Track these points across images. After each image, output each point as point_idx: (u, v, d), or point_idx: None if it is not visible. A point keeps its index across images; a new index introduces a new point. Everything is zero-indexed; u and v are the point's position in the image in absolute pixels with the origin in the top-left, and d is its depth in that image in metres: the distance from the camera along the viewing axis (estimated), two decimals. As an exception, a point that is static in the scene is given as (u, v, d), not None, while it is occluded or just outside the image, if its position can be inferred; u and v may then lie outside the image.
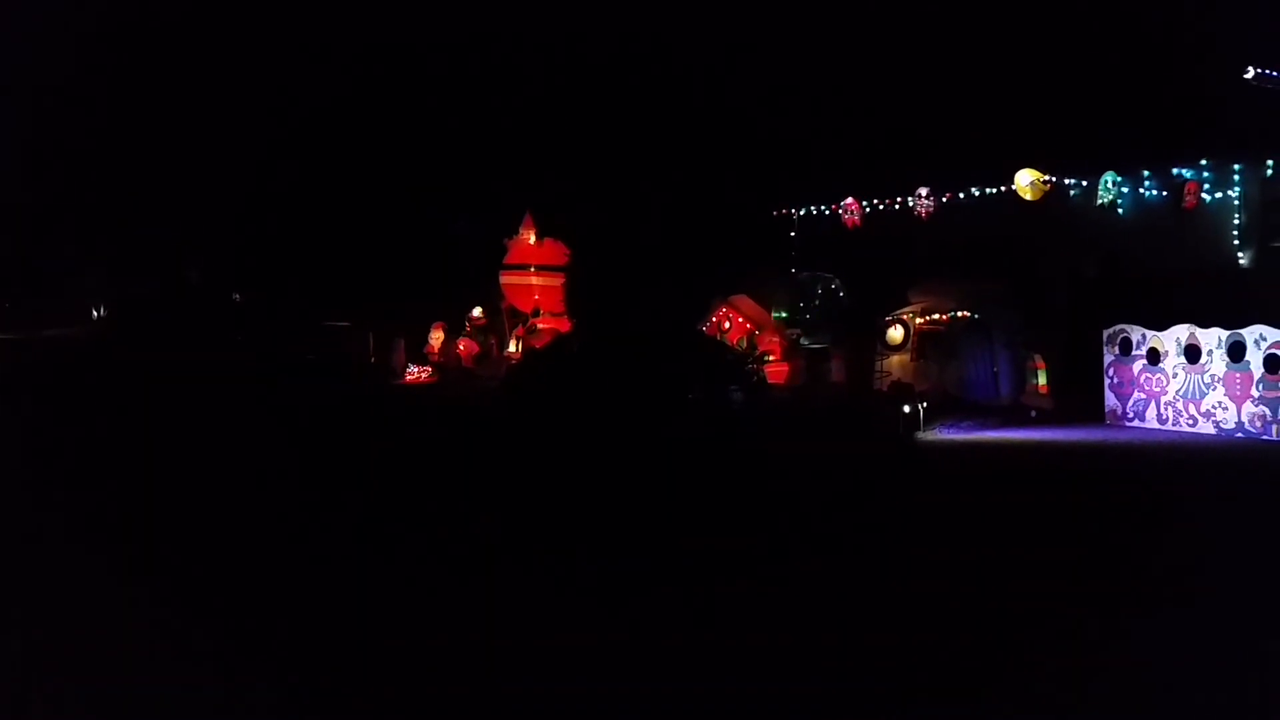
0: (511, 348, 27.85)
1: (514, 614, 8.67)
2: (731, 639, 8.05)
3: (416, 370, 28.43)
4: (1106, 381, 19.49)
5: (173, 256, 43.82)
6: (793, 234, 25.72)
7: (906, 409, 18.35)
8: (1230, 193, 19.67)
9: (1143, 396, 18.99)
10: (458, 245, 32.51)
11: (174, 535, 11.96)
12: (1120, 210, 20.60)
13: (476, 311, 29.19)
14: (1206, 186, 19.82)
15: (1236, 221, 19.67)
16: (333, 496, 13.80)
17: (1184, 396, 18.35)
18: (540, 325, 26.99)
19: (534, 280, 27.90)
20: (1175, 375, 18.47)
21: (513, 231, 28.77)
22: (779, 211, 25.85)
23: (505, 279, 28.34)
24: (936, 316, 21.73)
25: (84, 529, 12.03)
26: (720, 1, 33.62)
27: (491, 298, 29.35)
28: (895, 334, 21.78)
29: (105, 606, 9.18)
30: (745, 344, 22.96)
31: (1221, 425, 17.77)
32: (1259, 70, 19.83)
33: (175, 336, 34.27)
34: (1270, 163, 19.48)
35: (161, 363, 29.47)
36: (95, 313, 44.68)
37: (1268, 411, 17.15)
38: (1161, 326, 18.72)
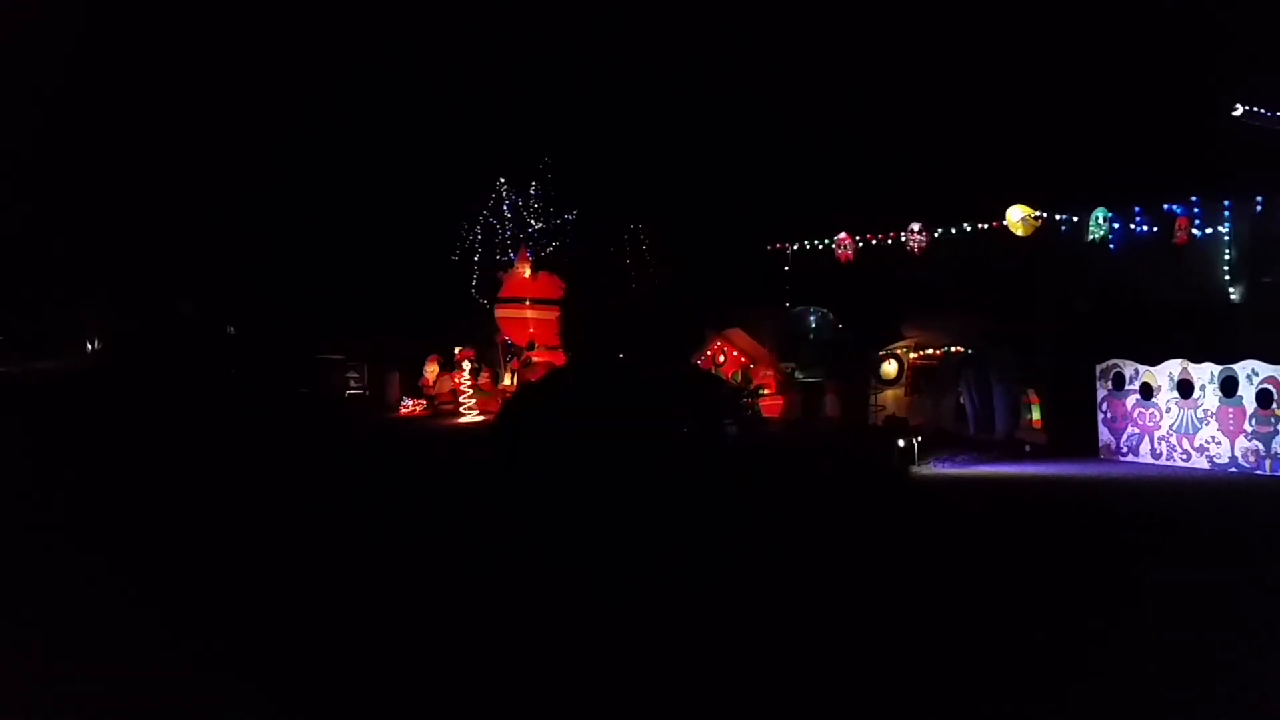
0: (506, 380, 27.87)
1: (504, 621, 8.90)
2: (720, 652, 8.19)
3: (411, 403, 28.45)
4: (1100, 416, 19.53)
5: (167, 290, 43.89)
6: (787, 268, 25.82)
7: (901, 443, 18.38)
8: (1220, 228, 19.77)
9: (1136, 431, 19.03)
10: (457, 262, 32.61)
11: (178, 542, 12.05)
12: (1111, 246, 20.70)
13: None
14: (1197, 222, 19.93)
15: (1227, 257, 19.77)
16: (323, 514, 13.83)
17: (1177, 431, 18.39)
18: (535, 358, 27.03)
19: (529, 314, 27.99)
20: (1168, 410, 18.52)
21: (508, 265, 28.87)
22: (773, 246, 25.96)
23: (500, 312, 28.41)
24: (930, 351, 21.81)
25: (85, 543, 12.06)
26: (713, 36, 33.96)
27: (485, 331, 29.37)
28: (889, 368, 21.83)
29: (107, 611, 9.23)
30: (740, 377, 23.01)
31: (1215, 460, 17.80)
32: (1247, 108, 20.01)
33: (169, 369, 34.23)
34: (1259, 199, 19.61)
35: (155, 395, 29.40)
36: (89, 345, 44.63)
37: (1261, 446, 17.19)
38: (1154, 361, 18.78)
